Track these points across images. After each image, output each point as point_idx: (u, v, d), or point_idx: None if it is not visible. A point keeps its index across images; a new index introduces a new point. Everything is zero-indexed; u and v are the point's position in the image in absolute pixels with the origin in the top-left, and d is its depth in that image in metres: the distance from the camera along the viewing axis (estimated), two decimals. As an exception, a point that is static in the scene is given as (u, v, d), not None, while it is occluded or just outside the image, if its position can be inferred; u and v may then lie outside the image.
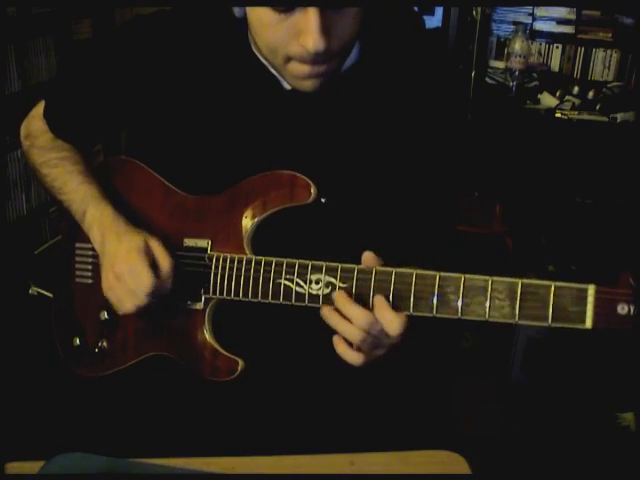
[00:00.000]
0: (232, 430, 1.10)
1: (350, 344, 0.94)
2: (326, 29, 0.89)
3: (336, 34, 0.91)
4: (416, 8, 2.22)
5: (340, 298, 0.93)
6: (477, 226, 2.85)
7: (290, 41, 0.92)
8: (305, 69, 0.95)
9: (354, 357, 0.95)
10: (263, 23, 0.93)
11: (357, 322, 0.91)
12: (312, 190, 0.99)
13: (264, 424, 1.12)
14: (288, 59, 0.95)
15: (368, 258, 0.93)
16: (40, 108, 1.19)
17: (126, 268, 1.01)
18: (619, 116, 2.95)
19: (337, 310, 0.93)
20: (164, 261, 1.02)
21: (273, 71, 1.03)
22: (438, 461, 0.97)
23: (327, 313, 0.94)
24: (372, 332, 0.92)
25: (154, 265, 1.02)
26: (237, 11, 1.00)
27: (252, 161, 1.04)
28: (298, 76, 0.97)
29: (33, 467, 0.91)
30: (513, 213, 2.97)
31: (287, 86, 1.04)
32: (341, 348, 0.95)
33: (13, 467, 0.93)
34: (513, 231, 2.92)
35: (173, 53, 1.07)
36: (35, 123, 1.19)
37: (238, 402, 1.11)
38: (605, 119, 2.98)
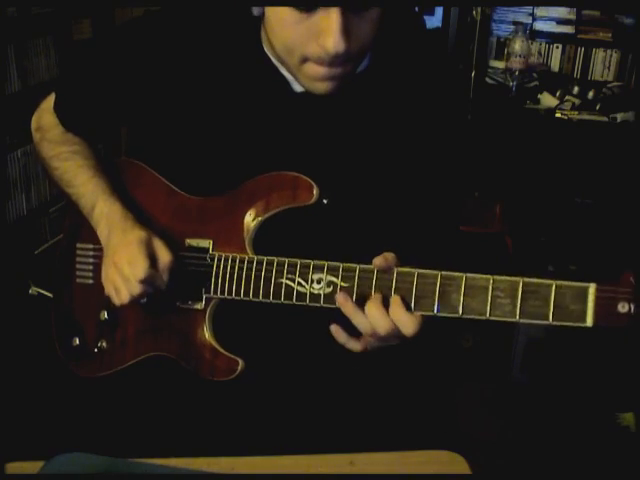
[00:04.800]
0: (232, 430, 1.10)
1: (351, 333, 0.94)
2: (347, 31, 0.89)
3: (355, 37, 0.91)
4: (416, 8, 2.21)
5: (372, 305, 0.91)
6: (477, 226, 2.85)
7: (309, 41, 0.91)
8: (321, 71, 0.94)
9: (356, 346, 0.96)
10: (283, 22, 0.92)
11: (376, 325, 0.91)
12: (314, 191, 0.99)
13: (264, 424, 1.12)
14: (304, 60, 0.94)
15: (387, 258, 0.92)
16: (51, 101, 1.19)
17: (125, 257, 1.02)
18: (619, 116, 2.95)
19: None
20: (163, 255, 1.03)
21: (284, 72, 1.03)
22: (438, 461, 0.98)
23: (342, 301, 0.93)
24: (386, 333, 0.92)
25: (153, 258, 1.03)
26: (256, 9, 0.98)
27: (256, 162, 1.04)
28: (313, 77, 0.96)
29: (33, 467, 0.91)
30: (513, 213, 2.97)
31: (297, 88, 1.04)
32: (342, 339, 0.96)
33: (13, 467, 0.93)
34: (513, 231, 2.92)
35: (183, 50, 1.06)
36: (46, 116, 1.19)
37: (238, 402, 1.11)
38: (605, 119, 2.97)
